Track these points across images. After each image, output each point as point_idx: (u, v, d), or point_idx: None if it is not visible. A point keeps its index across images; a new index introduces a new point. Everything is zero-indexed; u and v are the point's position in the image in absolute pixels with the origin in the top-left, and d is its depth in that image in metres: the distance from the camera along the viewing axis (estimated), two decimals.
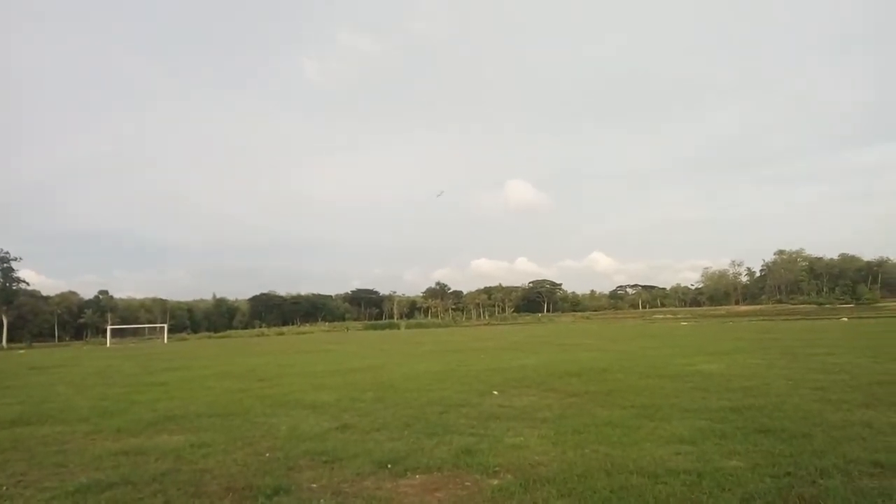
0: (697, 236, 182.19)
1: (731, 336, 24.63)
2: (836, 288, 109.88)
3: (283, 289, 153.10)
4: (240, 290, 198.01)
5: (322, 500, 4.01)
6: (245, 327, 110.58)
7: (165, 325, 72.39)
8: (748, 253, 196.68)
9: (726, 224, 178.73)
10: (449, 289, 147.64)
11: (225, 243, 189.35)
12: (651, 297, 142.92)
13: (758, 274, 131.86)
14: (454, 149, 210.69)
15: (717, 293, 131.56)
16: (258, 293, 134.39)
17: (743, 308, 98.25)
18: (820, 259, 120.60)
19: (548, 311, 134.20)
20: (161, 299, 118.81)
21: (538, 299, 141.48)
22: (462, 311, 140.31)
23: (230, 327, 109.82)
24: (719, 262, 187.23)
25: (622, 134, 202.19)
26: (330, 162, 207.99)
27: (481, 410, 7.18)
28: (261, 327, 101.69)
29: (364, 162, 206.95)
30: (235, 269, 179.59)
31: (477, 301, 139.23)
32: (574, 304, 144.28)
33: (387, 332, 69.37)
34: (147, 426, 6.94)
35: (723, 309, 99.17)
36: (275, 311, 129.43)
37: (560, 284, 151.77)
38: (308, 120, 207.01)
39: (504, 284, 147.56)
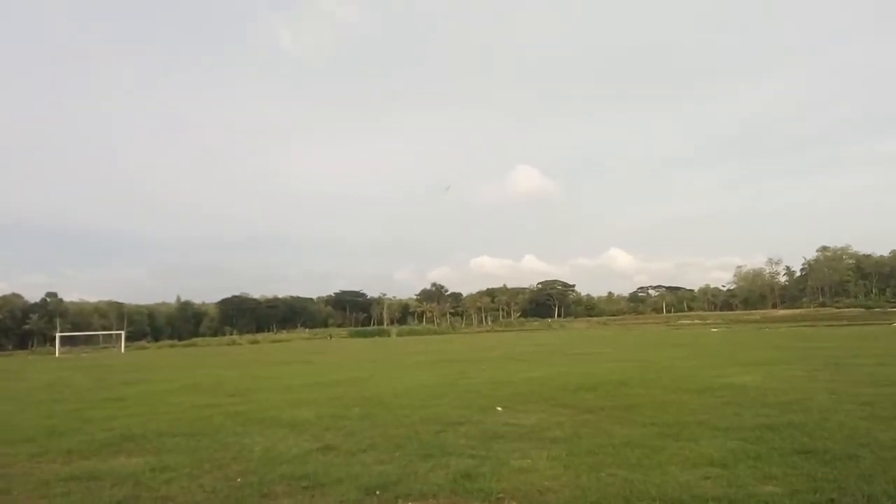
0: (729, 231, 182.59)
1: (767, 344, 24.74)
2: (888, 289, 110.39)
3: (258, 290, 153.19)
4: (208, 292, 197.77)
5: None
6: (214, 334, 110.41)
7: (123, 332, 72.22)
8: (787, 249, 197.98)
9: (762, 217, 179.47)
10: (446, 290, 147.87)
11: (191, 238, 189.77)
12: (676, 300, 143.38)
13: (798, 273, 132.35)
14: (452, 132, 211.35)
15: (752, 295, 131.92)
16: (229, 295, 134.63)
17: (781, 312, 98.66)
18: (869, 256, 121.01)
19: (559, 315, 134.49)
20: (117, 302, 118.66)
21: (548, 302, 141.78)
22: (461, 315, 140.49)
23: (196, 334, 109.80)
24: (754, 260, 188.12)
25: (642, 115, 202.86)
26: (311, 147, 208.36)
27: (483, 429, 7.18)
28: (232, 334, 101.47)
29: (350, 147, 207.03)
30: (203, 268, 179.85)
31: (478, 304, 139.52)
32: (589, 308, 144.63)
33: (375, 339, 69.41)
34: (101, 447, 6.92)
35: (758, 313, 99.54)
36: (248, 315, 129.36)
37: (573, 286, 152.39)
38: (287, 99, 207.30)
39: (509, 285, 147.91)
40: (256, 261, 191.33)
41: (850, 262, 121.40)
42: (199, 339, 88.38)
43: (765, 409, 7.90)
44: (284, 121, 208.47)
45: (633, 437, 6.36)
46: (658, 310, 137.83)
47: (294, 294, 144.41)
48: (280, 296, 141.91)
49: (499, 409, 8.72)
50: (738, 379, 11.46)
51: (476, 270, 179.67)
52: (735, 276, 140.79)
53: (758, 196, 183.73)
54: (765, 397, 8.90)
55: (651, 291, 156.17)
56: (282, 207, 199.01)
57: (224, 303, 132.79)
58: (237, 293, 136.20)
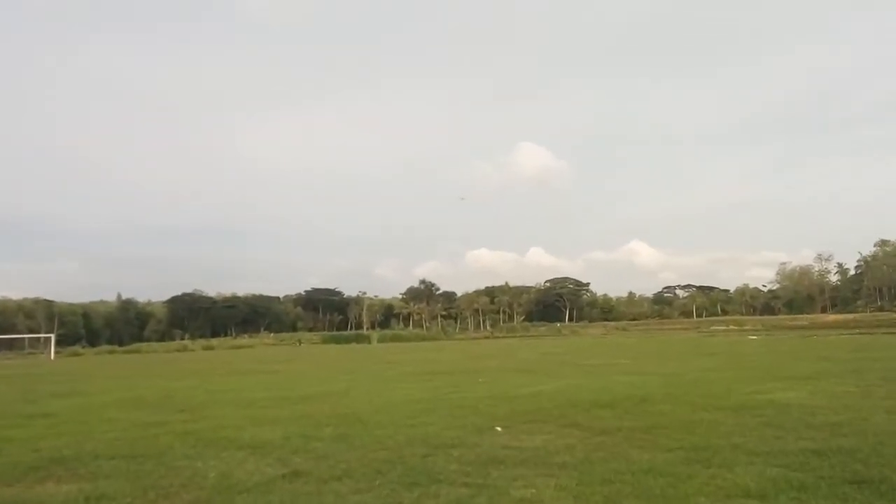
0: (772, 221, 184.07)
1: (815, 354, 24.91)
2: None
3: (213, 288, 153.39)
4: (154, 289, 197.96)
5: None
6: (161, 339, 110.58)
7: (52, 336, 72.01)
8: (839, 244, 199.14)
9: (811, 205, 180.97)
10: (437, 289, 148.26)
11: (134, 226, 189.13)
12: (709, 302, 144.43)
13: (852, 272, 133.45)
14: (444, 102, 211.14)
15: (798, 297, 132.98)
16: (179, 293, 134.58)
17: (831, 317, 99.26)
18: None
19: (570, 319, 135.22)
20: (46, 300, 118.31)
21: (557, 304, 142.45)
22: (455, 318, 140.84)
23: (140, 339, 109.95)
24: (800, 256, 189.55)
25: (670, 84, 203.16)
26: (280, 120, 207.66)
27: (479, 453, 7.19)
28: (182, 339, 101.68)
29: (326, 121, 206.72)
30: (148, 260, 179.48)
31: (475, 306, 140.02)
32: (605, 311, 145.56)
33: (353, 346, 69.46)
34: (27, 471, 6.89)
35: (805, 318, 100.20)
36: (201, 317, 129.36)
37: (587, 284, 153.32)
38: (252, 65, 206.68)
39: (512, 283, 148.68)
40: (212, 253, 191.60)
41: None
42: (143, 345, 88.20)
43: (811, 430, 7.96)
44: (249, 90, 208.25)
45: (656, 464, 6.38)
46: (687, 313, 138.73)
47: (257, 292, 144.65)
48: (240, 294, 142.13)
49: (498, 429, 8.73)
50: (781, 395, 11.54)
51: (473, 265, 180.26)
52: (778, 274, 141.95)
53: (806, 181, 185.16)
54: (811, 417, 8.96)
55: (679, 292, 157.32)
56: (243, 190, 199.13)
57: (173, 302, 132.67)
58: (189, 290, 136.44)
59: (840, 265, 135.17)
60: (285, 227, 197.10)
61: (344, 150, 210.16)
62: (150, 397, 15.32)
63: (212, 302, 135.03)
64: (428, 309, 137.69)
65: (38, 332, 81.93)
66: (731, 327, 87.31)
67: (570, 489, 5.59)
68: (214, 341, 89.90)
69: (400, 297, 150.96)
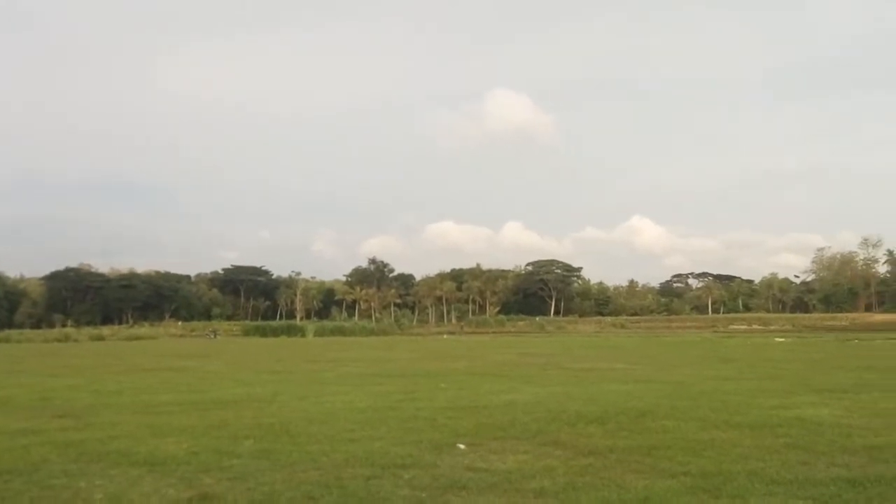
0: (806, 197, 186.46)
1: (855, 362, 25.49)
2: None
3: (105, 262, 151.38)
4: (28, 263, 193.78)
5: None
6: (37, 325, 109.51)
7: None
8: (890, 226, 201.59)
9: (855, 178, 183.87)
10: (391, 270, 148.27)
11: (4, 180, 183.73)
12: (728, 295, 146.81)
13: None
14: (403, 39, 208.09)
15: (837, 291, 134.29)
16: (61, 268, 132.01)
17: (878, 317, 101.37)
18: None
19: (556, 312, 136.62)
20: None
21: (541, 293, 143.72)
22: (413, 308, 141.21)
23: (10, 324, 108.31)
24: (840, 240, 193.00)
25: (684, 20, 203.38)
26: (194, 46, 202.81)
27: (436, 475, 7.22)
28: (65, 325, 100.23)
29: (251, 52, 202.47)
30: (21, 226, 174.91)
31: (438, 292, 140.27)
32: (600, 304, 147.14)
33: (283, 340, 69.23)
34: None
35: (844, 317, 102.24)
36: (89, 298, 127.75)
37: (578, 269, 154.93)
38: None
39: (484, 265, 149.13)
40: (105, 218, 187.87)
41: None
42: (13, 332, 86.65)
43: (846, 455, 8.14)
44: (157, 10, 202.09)
45: (654, 492, 6.46)
46: (700, 308, 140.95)
47: (161, 269, 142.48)
48: (140, 271, 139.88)
49: (461, 446, 8.77)
50: (811, 411, 11.79)
51: (434, 242, 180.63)
52: (813, 262, 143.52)
53: (847, 148, 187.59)
54: (847, 439, 9.17)
55: (691, 281, 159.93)
56: (143, 139, 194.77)
57: (53, 279, 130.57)
58: (73, 265, 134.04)
59: (890, 252, 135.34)
60: (198, 187, 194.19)
61: (275, 91, 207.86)
62: (21, 398, 15.15)
63: (103, 280, 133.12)
64: (378, 295, 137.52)
65: None
66: (754, 327, 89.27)
67: None
68: (106, 330, 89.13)
69: (343, 279, 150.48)
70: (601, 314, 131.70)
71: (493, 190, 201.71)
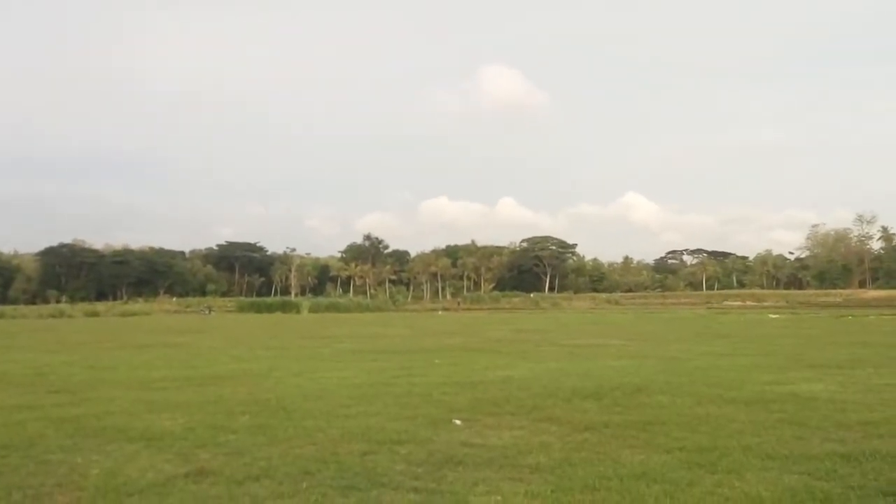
0: (801, 172, 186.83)
1: (849, 338, 25.76)
2: None
3: (100, 239, 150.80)
4: (22, 240, 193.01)
5: None
6: (31, 301, 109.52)
7: None
8: (884, 202, 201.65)
9: (850, 153, 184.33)
10: (386, 247, 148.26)
11: None
12: (723, 271, 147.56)
13: None
14: (394, 14, 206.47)
15: (831, 268, 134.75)
16: (55, 244, 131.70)
17: (872, 293, 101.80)
18: None
19: (551, 289, 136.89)
20: None
21: (536, 269, 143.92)
22: (408, 284, 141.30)
23: (5, 300, 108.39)
24: (835, 217, 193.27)
25: None
26: (185, 21, 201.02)
27: (432, 450, 7.26)
28: (59, 302, 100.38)
29: (244, 26, 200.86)
30: (15, 203, 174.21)
31: (432, 269, 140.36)
32: (595, 280, 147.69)
33: (278, 316, 69.26)
34: None
35: (839, 293, 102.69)
36: (84, 275, 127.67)
37: (572, 246, 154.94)
38: None
39: (479, 242, 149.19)
40: (98, 195, 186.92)
41: None
42: (7, 308, 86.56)
43: (840, 430, 8.21)
44: None
45: (651, 467, 6.52)
46: (695, 285, 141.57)
47: (155, 245, 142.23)
48: (134, 247, 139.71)
49: (457, 421, 8.83)
50: (805, 387, 11.89)
51: (429, 219, 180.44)
52: (808, 238, 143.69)
53: (843, 124, 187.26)
54: (841, 414, 9.26)
55: (686, 258, 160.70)
56: (138, 116, 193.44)
57: (48, 255, 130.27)
58: (68, 241, 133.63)
59: (885, 229, 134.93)
60: (193, 163, 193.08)
61: (270, 65, 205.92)
62: (17, 374, 15.20)
63: (98, 257, 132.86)
64: (373, 272, 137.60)
65: None
66: (749, 303, 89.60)
67: (543, 497, 5.66)
68: (100, 306, 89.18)
69: (338, 255, 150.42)
70: (596, 290, 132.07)
71: (488, 166, 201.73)
